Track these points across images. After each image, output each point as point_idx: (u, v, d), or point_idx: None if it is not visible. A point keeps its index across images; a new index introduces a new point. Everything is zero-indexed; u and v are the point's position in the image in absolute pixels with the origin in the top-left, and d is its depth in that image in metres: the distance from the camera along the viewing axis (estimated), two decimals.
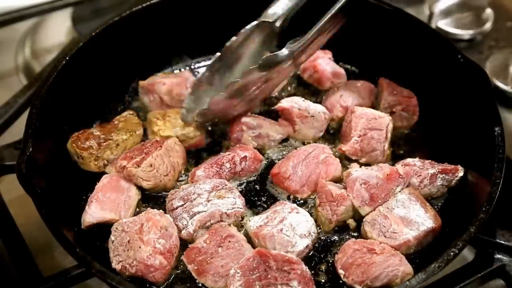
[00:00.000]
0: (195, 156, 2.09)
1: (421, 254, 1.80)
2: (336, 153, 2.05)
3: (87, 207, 1.84)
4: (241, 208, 1.85)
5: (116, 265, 1.71)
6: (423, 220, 1.80)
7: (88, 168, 1.97)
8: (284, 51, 1.95)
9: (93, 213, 1.82)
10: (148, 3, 2.23)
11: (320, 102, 2.22)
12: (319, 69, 2.28)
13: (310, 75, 2.31)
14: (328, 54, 2.35)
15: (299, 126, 2.10)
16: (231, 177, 1.98)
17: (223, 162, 1.97)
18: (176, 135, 2.05)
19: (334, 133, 2.16)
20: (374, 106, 2.20)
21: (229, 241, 1.74)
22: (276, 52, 1.95)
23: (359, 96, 2.20)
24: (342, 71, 2.33)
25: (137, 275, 1.70)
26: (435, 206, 1.92)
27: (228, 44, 2.11)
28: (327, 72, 2.29)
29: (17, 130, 2.11)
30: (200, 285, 1.72)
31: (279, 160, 2.04)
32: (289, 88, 2.32)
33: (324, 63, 2.31)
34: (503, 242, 1.78)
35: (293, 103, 2.11)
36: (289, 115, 2.10)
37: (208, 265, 1.70)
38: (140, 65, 2.27)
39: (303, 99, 2.16)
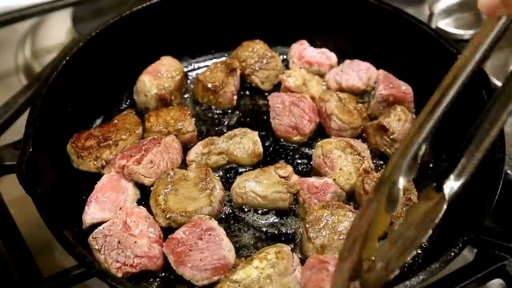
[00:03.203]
0: None
1: (421, 254, 1.80)
2: None
3: (86, 207, 1.85)
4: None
5: (117, 272, 1.70)
6: None
7: (87, 168, 1.97)
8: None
9: (92, 214, 1.83)
10: (148, 3, 2.24)
11: None
12: (314, 61, 2.31)
13: (307, 69, 2.32)
14: (304, 43, 2.38)
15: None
16: None
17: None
18: (168, 130, 2.06)
19: None
20: (369, 91, 2.25)
21: (210, 234, 1.73)
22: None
23: (357, 77, 2.24)
24: (328, 52, 2.36)
25: (139, 271, 1.70)
26: None
27: None
28: (323, 57, 2.33)
29: (17, 130, 2.12)
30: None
31: None
32: None
33: (312, 52, 2.34)
34: (503, 242, 1.79)
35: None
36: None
37: (187, 257, 1.69)
38: (140, 65, 2.27)
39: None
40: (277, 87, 2.31)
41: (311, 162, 2.04)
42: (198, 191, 1.85)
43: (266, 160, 2.07)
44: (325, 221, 1.76)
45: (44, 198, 1.68)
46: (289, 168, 1.93)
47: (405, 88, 2.17)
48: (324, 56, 2.35)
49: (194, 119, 2.14)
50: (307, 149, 2.11)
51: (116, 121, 2.09)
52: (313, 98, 2.19)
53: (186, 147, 2.10)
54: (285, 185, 1.88)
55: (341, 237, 1.72)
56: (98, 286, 1.86)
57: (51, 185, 1.80)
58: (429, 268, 1.55)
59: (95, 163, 1.96)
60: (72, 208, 1.87)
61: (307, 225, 1.77)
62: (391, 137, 2.03)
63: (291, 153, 2.10)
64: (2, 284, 1.87)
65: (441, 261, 1.56)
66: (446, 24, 2.67)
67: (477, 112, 1.94)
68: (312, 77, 2.26)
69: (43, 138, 1.84)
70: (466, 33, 2.65)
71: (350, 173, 1.93)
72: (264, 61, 2.30)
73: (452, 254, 1.57)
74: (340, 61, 2.36)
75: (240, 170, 2.03)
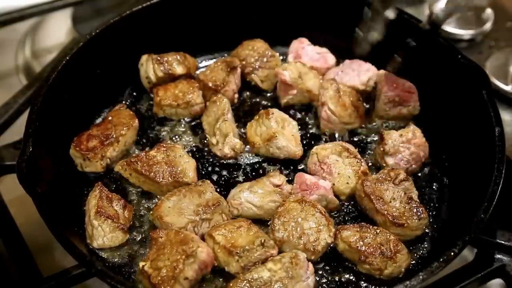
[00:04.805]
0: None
1: (421, 254, 1.80)
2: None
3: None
4: None
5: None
6: None
7: (94, 169, 1.96)
8: None
9: None
10: (148, 3, 2.24)
11: None
12: (310, 65, 2.28)
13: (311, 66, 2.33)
14: (304, 42, 2.37)
15: None
16: None
17: None
18: (177, 103, 2.12)
19: None
20: (369, 91, 2.25)
21: None
22: None
23: (357, 77, 2.23)
24: (327, 53, 2.35)
25: None
26: (434, 206, 1.93)
27: None
28: (320, 60, 2.32)
29: (17, 130, 2.12)
30: None
31: None
32: None
33: (311, 52, 2.33)
34: (503, 242, 1.79)
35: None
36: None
37: None
38: None
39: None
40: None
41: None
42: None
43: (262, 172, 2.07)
44: (292, 215, 1.78)
45: (44, 198, 1.68)
46: (282, 177, 1.93)
47: (409, 86, 2.16)
48: (322, 59, 2.33)
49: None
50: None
51: (110, 117, 2.08)
52: (309, 91, 2.18)
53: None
54: (279, 194, 1.87)
55: (302, 236, 1.74)
56: (98, 286, 1.86)
57: (51, 185, 1.80)
58: (429, 268, 1.55)
59: (102, 162, 1.96)
60: (72, 207, 1.87)
61: (275, 215, 1.79)
62: (382, 148, 1.99)
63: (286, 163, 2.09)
64: (2, 284, 1.87)
65: (441, 261, 1.56)
66: (446, 24, 2.66)
67: (477, 112, 1.95)
68: (308, 70, 2.24)
69: (43, 138, 1.84)
70: (466, 33, 2.65)
71: (349, 177, 1.92)
72: (264, 59, 2.30)
73: (452, 254, 1.57)
74: (340, 61, 2.36)
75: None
